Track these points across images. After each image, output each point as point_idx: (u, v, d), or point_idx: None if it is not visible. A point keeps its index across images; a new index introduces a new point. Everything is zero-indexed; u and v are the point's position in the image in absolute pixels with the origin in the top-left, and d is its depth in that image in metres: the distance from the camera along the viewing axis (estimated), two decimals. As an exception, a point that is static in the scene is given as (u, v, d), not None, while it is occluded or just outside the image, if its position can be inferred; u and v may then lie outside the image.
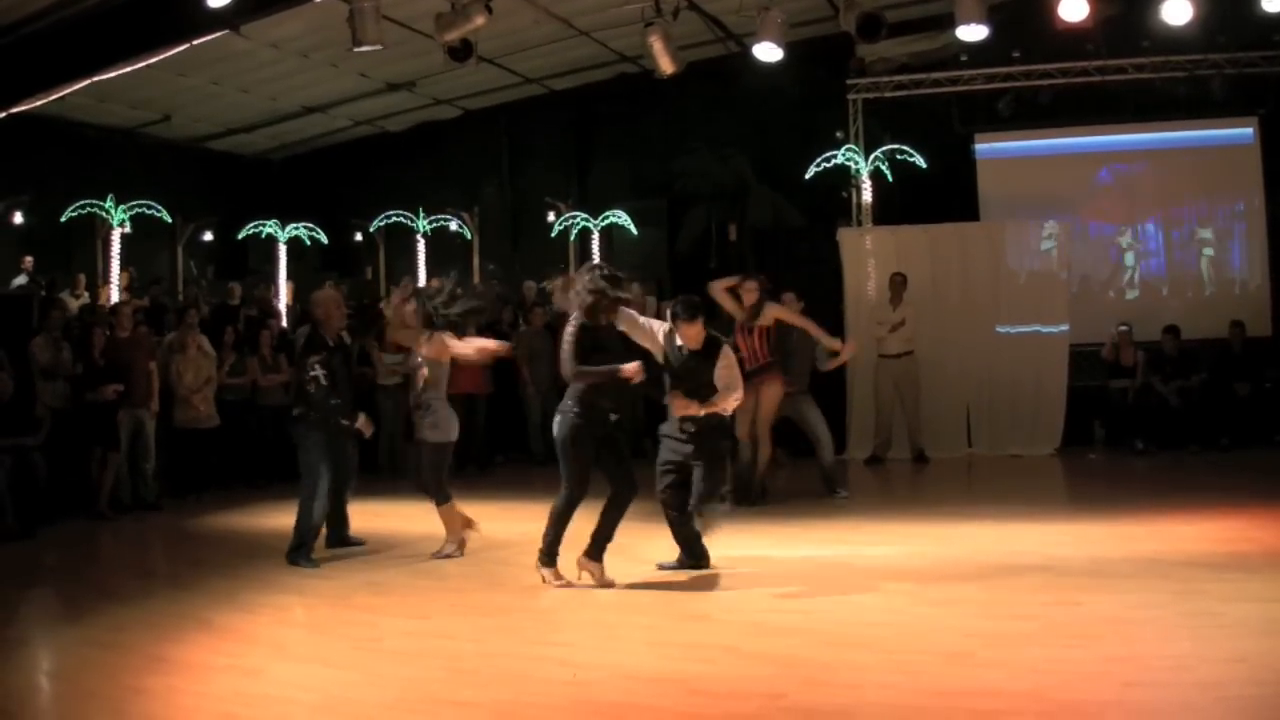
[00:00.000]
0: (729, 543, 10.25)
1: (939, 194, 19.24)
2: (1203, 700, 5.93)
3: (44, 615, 9.14)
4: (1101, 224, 19.71)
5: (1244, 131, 18.89)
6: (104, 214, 19.38)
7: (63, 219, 19.25)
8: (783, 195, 21.26)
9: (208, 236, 22.87)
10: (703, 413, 9.04)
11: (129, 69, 15.76)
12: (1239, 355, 16.76)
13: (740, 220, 21.72)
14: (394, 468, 16.51)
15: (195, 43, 15.72)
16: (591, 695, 6.39)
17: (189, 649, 7.54)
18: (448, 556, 10.46)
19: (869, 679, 6.52)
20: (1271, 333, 18.06)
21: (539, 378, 17.41)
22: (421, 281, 22.37)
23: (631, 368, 8.83)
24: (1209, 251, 19.20)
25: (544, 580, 9.07)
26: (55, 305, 14.99)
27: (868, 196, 19.51)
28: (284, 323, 19.21)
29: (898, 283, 16.84)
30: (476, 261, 23.34)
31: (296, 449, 10.52)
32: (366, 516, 12.44)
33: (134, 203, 19.73)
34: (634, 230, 22.25)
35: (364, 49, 14.54)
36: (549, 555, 9.13)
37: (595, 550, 9.14)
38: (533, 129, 23.86)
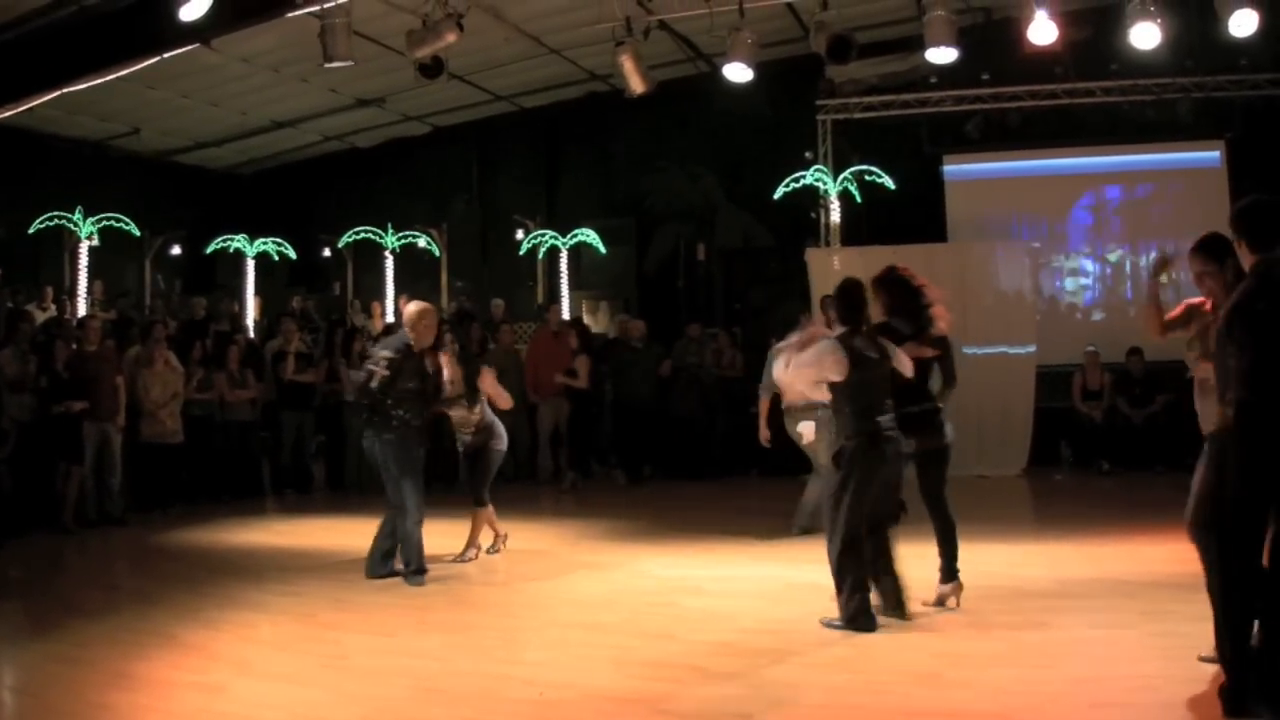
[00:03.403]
0: (697, 562, 10.27)
1: (907, 215, 19.29)
2: (1169, 721, 5.97)
3: (8, 630, 9.05)
4: (1069, 246, 19.80)
5: (1211, 154, 18.99)
6: (72, 226, 19.29)
7: (30, 231, 19.15)
8: (751, 215, 21.32)
9: (176, 250, 22.79)
10: None
11: (99, 81, 15.70)
12: (1205, 377, 16.83)
13: (709, 239, 21.78)
14: (362, 485, 16.49)
15: (166, 56, 15.67)
16: (558, 714, 6.38)
17: (154, 665, 7.50)
18: (467, 560, 10.99)
19: (837, 699, 6.52)
20: (1237, 355, 18.14)
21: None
22: (389, 299, 22.39)
23: None
24: (1176, 274, 19.26)
25: None
26: (23, 317, 14.92)
27: (836, 217, 19.54)
28: (251, 337, 19.15)
29: (826, 305, 16.84)
30: (445, 278, 23.31)
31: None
32: (335, 533, 12.42)
33: (102, 215, 19.64)
34: (602, 248, 22.26)
35: (335, 65, 14.51)
36: None
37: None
38: (502, 146, 23.88)
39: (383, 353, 10.05)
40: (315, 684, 7.04)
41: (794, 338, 8.90)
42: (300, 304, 20.24)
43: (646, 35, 15.85)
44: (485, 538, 11.29)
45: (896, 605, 8.20)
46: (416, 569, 9.95)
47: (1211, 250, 6.76)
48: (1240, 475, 5.75)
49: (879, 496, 8.19)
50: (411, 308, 10.45)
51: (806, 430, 11.30)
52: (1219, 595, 5.86)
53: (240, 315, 20.44)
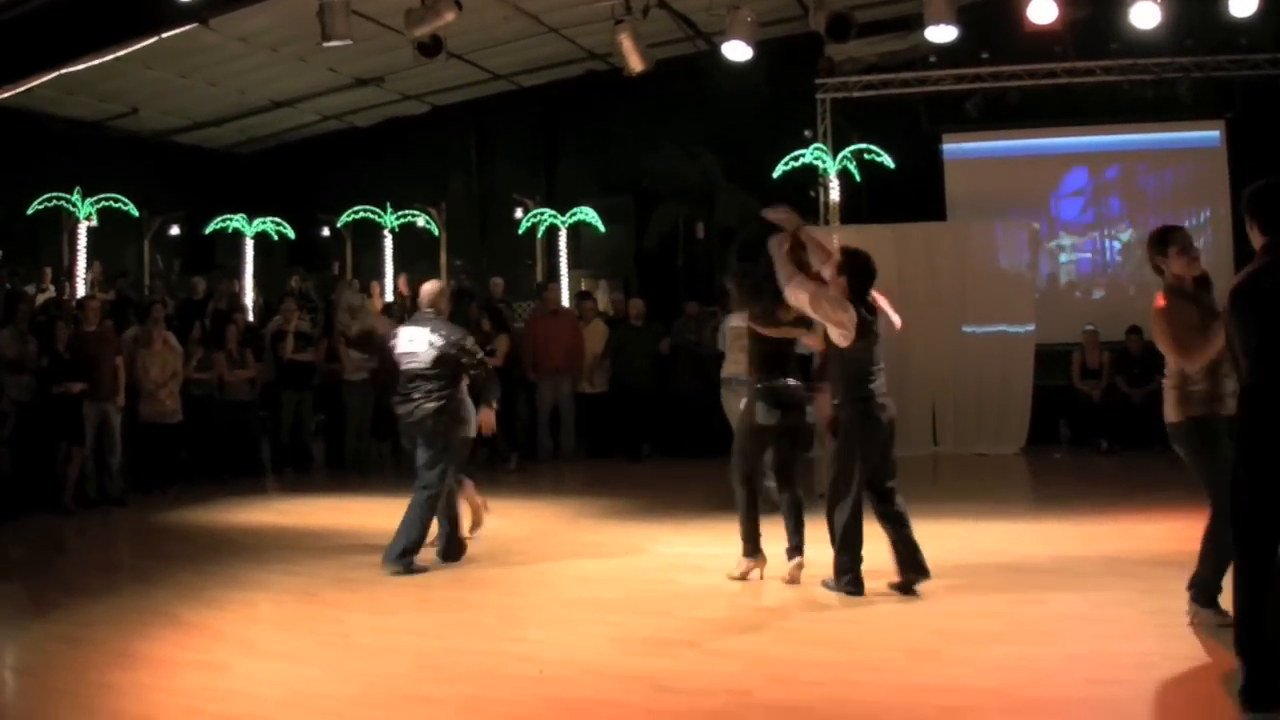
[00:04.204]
0: (693, 540, 10.29)
1: (906, 194, 19.27)
2: (1166, 697, 5.98)
3: (9, 610, 9.04)
4: (1068, 225, 19.80)
5: (1211, 134, 18.98)
6: (70, 207, 19.25)
7: (29, 212, 19.10)
8: (751, 193, 21.22)
9: (175, 230, 22.74)
10: None
11: (97, 61, 15.68)
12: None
13: (708, 218, 21.75)
14: (360, 464, 16.53)
15: (164, 36, 15.66)
16: (557, 691, 6.41)
17: (156, 644, 7.53)
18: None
19: (835, 676, 6.55)
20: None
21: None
22: (389, 278, 22.38)
23: None
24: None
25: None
26: (22, 298, 14.92)
27: (835, 196, 19.53)
28: (250, 317, 19.15)
29: None
30: (444, 258, 23.28)
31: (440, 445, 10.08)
32: (335, 512, 12.44)
33: (101, 196, 19.57)
34: (601, 227, 22.20)
35: (333, 44, 14.49)
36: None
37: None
38: (501, 125, 23.82)
39: (469, 341, 10.04)
40: (317, 662, 7.07)
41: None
42: (299, 283, 20.22)
43: (645, 14, 15.84)
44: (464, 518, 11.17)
45: (915, 567, 8.34)
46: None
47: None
48: (1246, 463, 5.67)
49: (879, 463, 8.35)
50: (434, 286, 10.39)
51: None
52: (1238, 589, 5.71)
53: (239, 295, 20.43)
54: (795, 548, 8.94)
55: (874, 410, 8.28)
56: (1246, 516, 5.67)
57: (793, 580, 8.80)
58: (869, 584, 8.31)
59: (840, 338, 8.25)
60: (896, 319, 8.82)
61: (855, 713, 6.02)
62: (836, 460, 8.42)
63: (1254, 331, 5.66)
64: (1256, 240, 5.88)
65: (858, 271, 8.41)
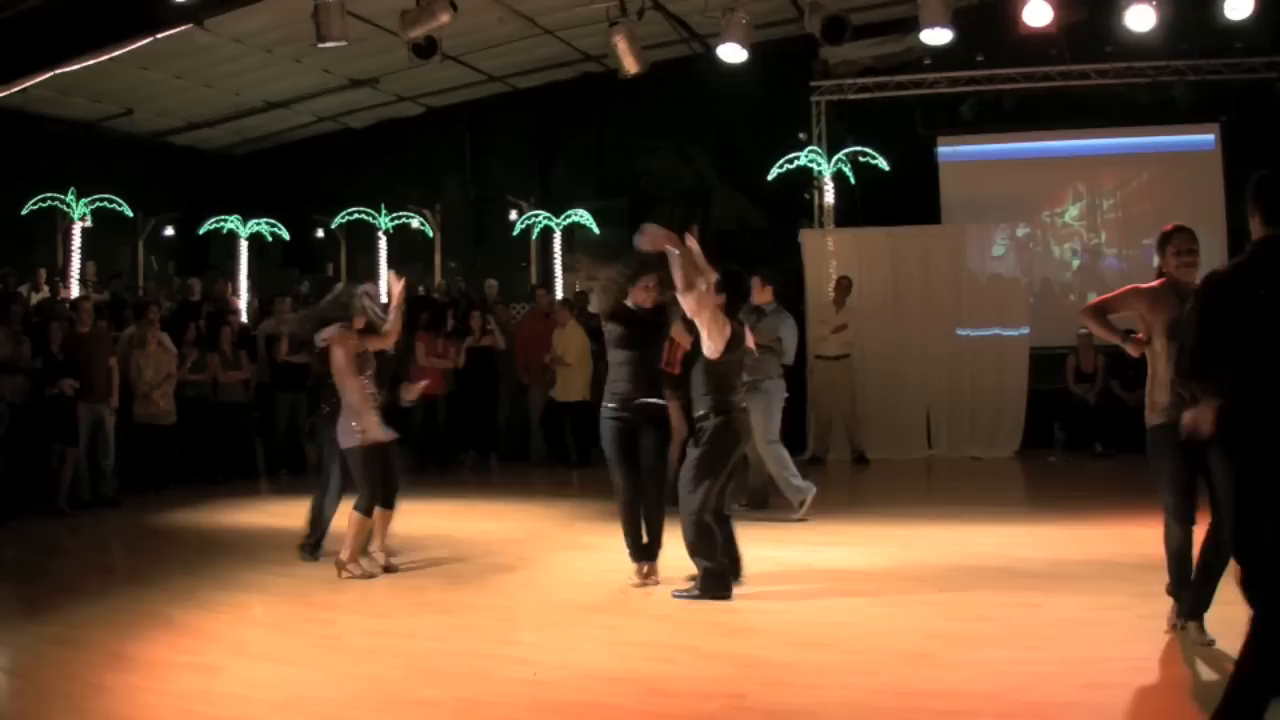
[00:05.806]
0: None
1: (901, 196, 19.26)
2: (1161, 702, 5.98)
3: (2, 611, 9.04)
4: (1063, 228, 19.79)
5: (1205, 138, 18.96)
6: (65, 208, 19.23)
7: (23, 212, 19.08)
8: (745, 196, 21.27)
9: (169, 231, 22.73)
10: None
11: (92, 62, 15.67)
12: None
13: (703, 221, 21.71)
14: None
15: (159, 36, 15.64)
16: (552, 694, 6.40)
17: (149, 646, 7.51)
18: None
19: (829, 679, 6.55)
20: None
21: (505, 376, 17.39)
22: (383, 278, 22.34)
23: None
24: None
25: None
26: (15, 299, 14.90)
27: (830, 198, 19.49)
28: (244, 319, 19.12)
29: (844, 286, 16.97)
30: (438, 259, 23.27)
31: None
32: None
33: (95, 197, 19.57)
34: (596, 229, 22.20)
35: (328, 45, 14.51)
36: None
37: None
38: (496, 127, 23.80)
39: None
40: (310, 664, 7.06)
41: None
42: (305, 289, 20.19)
43: (640, 16, 15.85)
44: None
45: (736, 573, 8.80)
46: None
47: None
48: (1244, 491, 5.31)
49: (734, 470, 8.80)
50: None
51: None
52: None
53: (230, 296, 20.39)
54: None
55: (736, 419, 8.55)
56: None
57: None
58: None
59: (710, 350, 8.50)
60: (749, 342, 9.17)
61: (849, 716, 6.00)
62: (699, 466, 8.50)
63: (1249, 341, 5.31)
64: (1256, 232, 5.66)
65: (735, 289, 8.82)
